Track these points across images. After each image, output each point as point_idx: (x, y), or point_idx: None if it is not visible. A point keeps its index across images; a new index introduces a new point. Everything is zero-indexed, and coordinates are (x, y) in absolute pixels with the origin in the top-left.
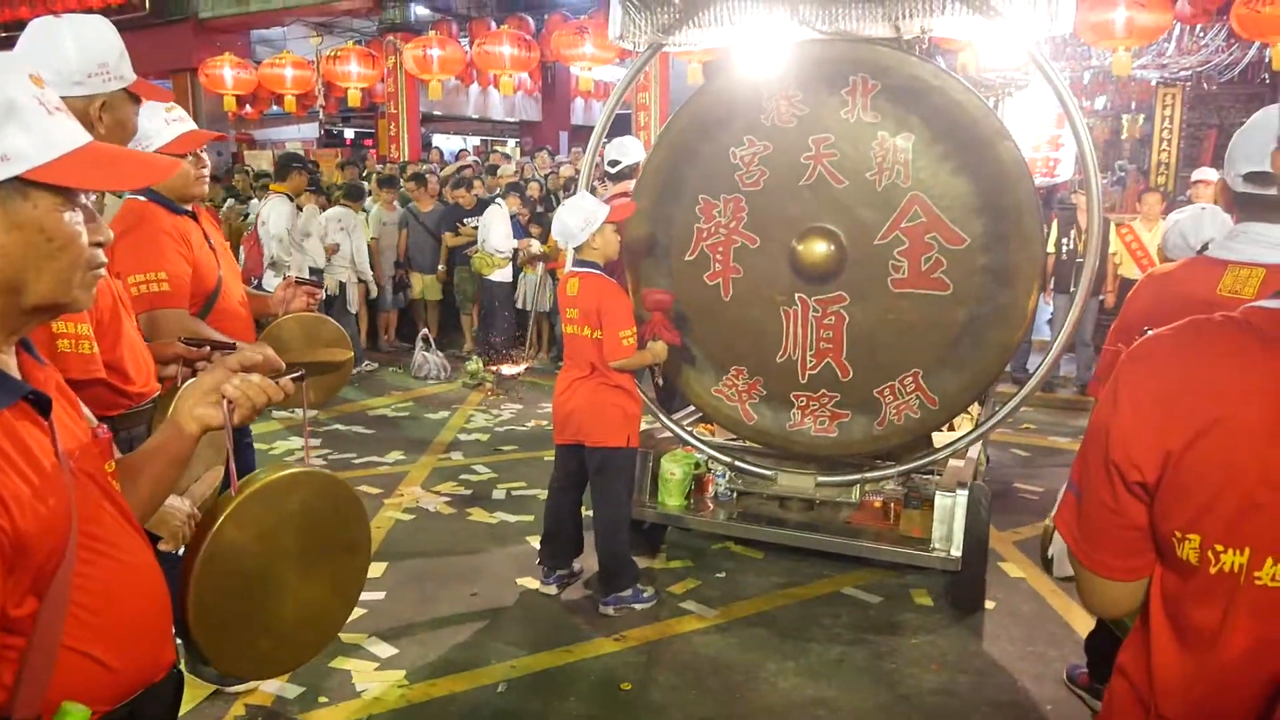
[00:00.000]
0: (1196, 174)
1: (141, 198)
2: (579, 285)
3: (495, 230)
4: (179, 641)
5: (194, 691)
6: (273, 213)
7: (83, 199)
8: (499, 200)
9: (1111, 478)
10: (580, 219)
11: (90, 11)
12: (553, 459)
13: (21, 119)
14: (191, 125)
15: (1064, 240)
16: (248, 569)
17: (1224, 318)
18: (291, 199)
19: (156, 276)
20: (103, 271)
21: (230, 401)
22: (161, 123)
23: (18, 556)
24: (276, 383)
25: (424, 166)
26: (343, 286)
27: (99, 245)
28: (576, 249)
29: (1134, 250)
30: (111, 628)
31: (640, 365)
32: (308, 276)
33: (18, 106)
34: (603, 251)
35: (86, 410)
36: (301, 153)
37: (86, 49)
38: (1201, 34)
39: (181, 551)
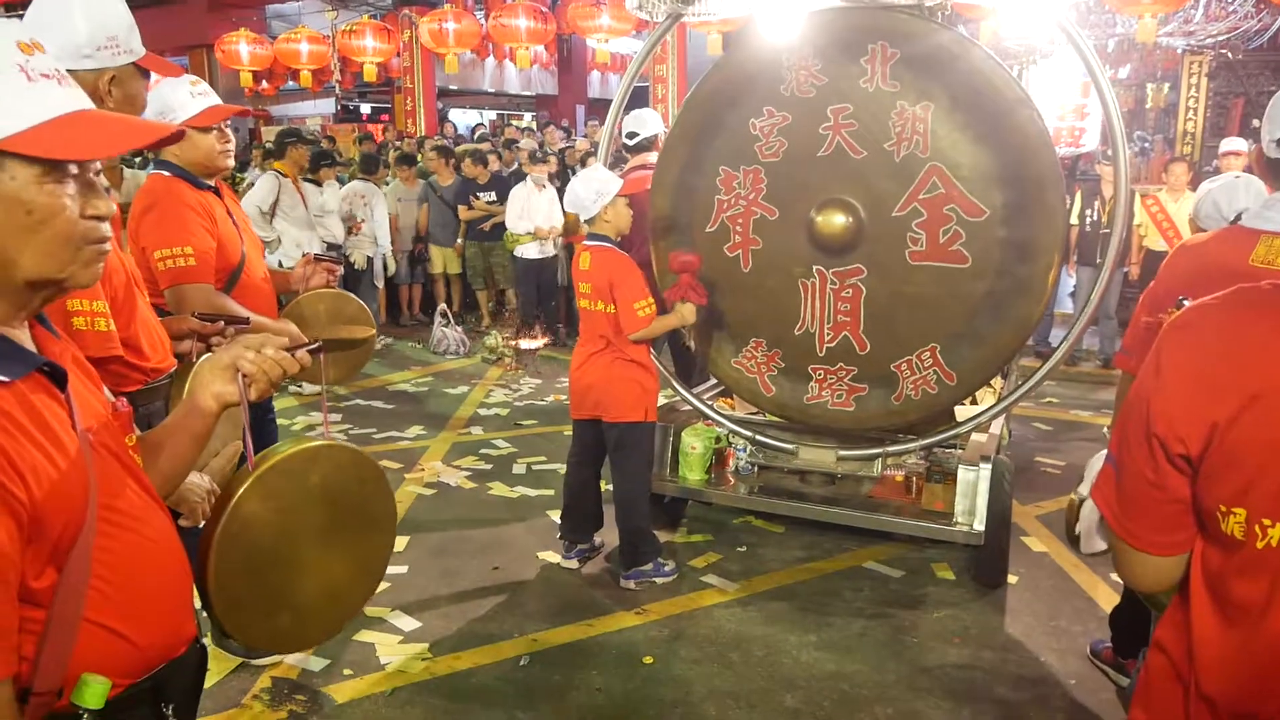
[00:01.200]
0: (1225, 144)
1: (166, 172)
2: (591, 259)
3: (510, 211)
4: (204, 615)
5: (220, 664)
6: (255, 187)
7: (74, 169)
8: (528, 179)
9: (1153, 450)
10: (592, 190)
11: None
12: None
13: None
14: (217, 100)
15: (1088, 212)
16: (267, 544)
17: (1272, 286)
18: (282, 176)
19: (183, 251)
20: (107, 246)
21: (247, 376)
22: (186, 95)
23: (35, 528)
24: (293, 354)
25: (441, 141)
26: (369, 261)
27: (98, 219)
28: (589, 222)
29: (1160, 221)
30: (133, 601)
31: (663, 331)
32: (325, 252)
33: None
34: (615, 224)
35: (104, 386)
36: (319, 128)
37: (95, 22)
38: (1229, 0)
39: (202, 526)
